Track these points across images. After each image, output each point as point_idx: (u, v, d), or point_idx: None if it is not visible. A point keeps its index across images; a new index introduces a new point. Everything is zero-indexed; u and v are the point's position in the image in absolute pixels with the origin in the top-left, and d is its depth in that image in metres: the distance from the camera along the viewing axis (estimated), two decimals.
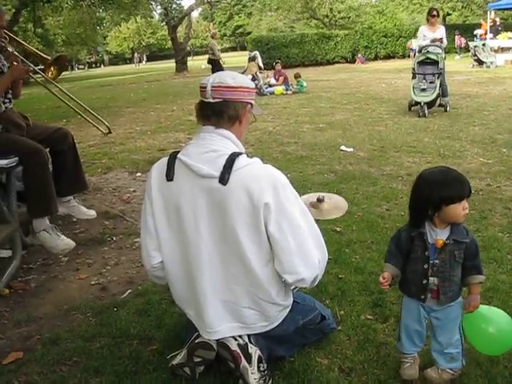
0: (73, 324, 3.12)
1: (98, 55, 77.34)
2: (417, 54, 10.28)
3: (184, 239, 2.24)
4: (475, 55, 20.66)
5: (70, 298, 3.48)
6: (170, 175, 2.23)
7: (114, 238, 4.49)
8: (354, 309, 2.98)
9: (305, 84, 14.88)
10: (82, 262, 4.09)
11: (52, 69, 4.54)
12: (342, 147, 7.11)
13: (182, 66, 27.28)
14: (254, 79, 15.02)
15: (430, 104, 9.68)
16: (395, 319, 2.83)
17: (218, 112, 2.22)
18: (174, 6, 30.31)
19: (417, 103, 9.68)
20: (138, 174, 6.53)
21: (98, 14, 29.56)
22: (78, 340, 2.90)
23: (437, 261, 2.21)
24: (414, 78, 9.95)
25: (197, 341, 2.36)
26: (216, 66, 17.18)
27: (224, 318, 2.29)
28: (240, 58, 28.78)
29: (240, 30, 73.10)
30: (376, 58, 29.58)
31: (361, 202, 4.85)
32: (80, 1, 18.15)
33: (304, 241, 2.17)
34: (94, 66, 75.11)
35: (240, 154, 2.17)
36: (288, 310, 2.41)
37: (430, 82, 9.67)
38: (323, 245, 2.32)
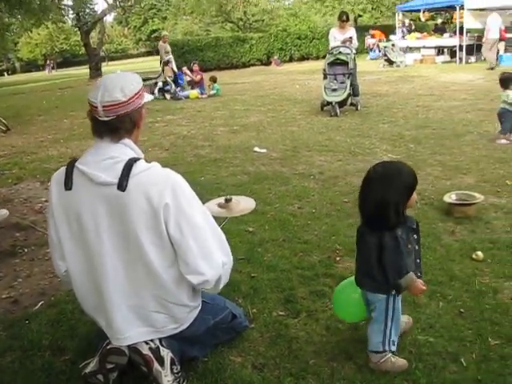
0: None
1: (9, 62, 74.41)
2: (327, 55, 10.51)
3: (87, 248, 2.22)
4: (385, 55, 21.36)
5: None
6: (68, 184, 2.20)
7: (26, 250, 4.38)
8: (266, 306, 3.04)
9: (219, 87, 14.90)
10: None
11: None
12: (256, 148, 7.19)
13: (96, 71, 26.62)
14: (166, 84, 15.00)
15: (342, 103, 9.94)
16: (306, 314, 2.92)
17: (114, 129, 2.18)
18: (88, 10, 29.58)
19: (328, 103, 9.91)
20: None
21: (6, 19, 28.47)
22: None
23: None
24: (325, 78, 10.16)
25: (108, 347, 2.35)
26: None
27: (133, 323, 2.29)
28: (155, 62, 28.41)
29: (155, 34, 72.25)
30: (291, 60, 30.02)
31: (273, 202, 4.93)
32: None
33: (205, 241, 2.20)
34: (5, 73, 72.24)
35: (138, 159, 2.17)
36: (197, 310, 2.43)
37: (341, 82, 9.92)
38: (227, 246, 2.36)
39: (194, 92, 14.69)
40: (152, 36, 73.45)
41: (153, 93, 15.13)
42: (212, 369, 2.48)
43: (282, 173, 5.95)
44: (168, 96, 14.83)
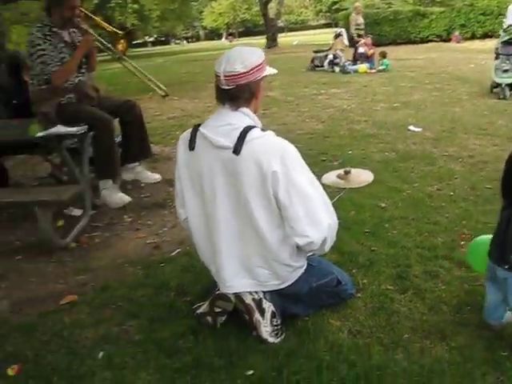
0: (123, 275, 3.52)
1: (195, 30, 78.65)
2: (502, 33, 9.92)
3: (205, 204, 2.51)
4: None
5: (126, 254, 3.89)
6: (192, 146, 2.49)
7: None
8: (377, 278, 3.13)
9: (389, 63, 14.64)
10: (143, 223, 4.50)
11: (122, 41, 4.89)
12: (411, 127, 7.10)
13: (272, 42, 27.44)
14: (335, 57, 15.03)
15: None
16: (414, 291, 2.98)
17: (234, 97, 2.43)
18: None
19: (498, 85, 9.38)
20: None
21: None
22: (124, 288, 3.30)
23: None
24: (497, 58, 9.61)
25: (217, 293, 2.65)
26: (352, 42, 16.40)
27: (239, 274, 2.54)
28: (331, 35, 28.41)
29: (336, 6, 71.79)
30: (473, 37, 28.34)
31: (413, 181, 4.91)
32: None
33: (312, 207, 2.36)
34: (190, 40, 76.52)
35: (253, 127, 2.38)
36: (301, 271, 2.62)
37: None
38: (332, 210, 2.51)
39: (363, 66, 14.59)
40: (333, 8, 73.17)
41: (323, 65, 15.33)
42: (310, 327, 2.66)
43: (431, 153, 5.86)
44: (337, 69, 14.88)
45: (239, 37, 64.89)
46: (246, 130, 2.36)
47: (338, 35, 15.67)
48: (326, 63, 15.22)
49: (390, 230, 3.84)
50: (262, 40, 33.27)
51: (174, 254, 3.78)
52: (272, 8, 30.84)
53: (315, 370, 2.35)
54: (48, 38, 4.30)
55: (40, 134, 4.14)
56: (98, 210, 4.76)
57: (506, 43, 9.57)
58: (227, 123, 2.41)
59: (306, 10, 70.78)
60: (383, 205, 4.32)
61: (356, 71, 14.50)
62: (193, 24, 71.67)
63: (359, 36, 16.11)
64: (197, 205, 2.55)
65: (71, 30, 4.51)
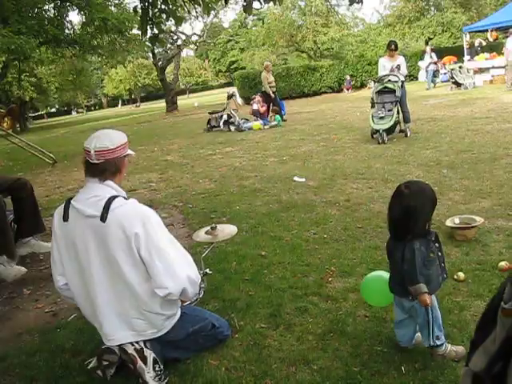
0: (21, 344, 3.70)
1: (97, 98, 78.69)
2: (375, 83, 10.87)
3: (80, 266, 2.82)
4: (452, 78, 21.27)
5: (25, 324, 4.07)
6: (65, 217, 2.81)
7: None
8: (252, 319, 3.51)
9: (280, 118, 15.48)
10: (42, 293, 4.69)
11: (6, 119, 5.14)
12: (295, 178, 7.66)
13: (172, 105, 28.13)
14: (230, 117, 15.73)
15: (389, 130, 10.23)
16: (284, 326, 3.36)
17: (101, 170, 2.81)
18: (160, 49, 31.27)
19: (377, 131, 10.22)
20: None
21: (89, 59, 30.62)
22: (22, 356, 3.51)
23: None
24: (373, 107, 10.52)
25: (103, 347, 2.91)
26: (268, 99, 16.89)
27: (118, 327, 2.85)
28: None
29: (234, 65, 74.18)
30: (362, 86, 30.27)
31: (293, 228, 5.39)
32: (58, 54, 18.99)
33: (170, 262, 2.73)
34: (92, 108, 76.45)
35: (116, 197, 2.74)
36: (175, 319, 2.95)
37: (389, 110, 10.25)
38: (192, 264, 2.87)
39: (257, 123, 15.35)
40: (231, 67, 75.55)
41: (219, 125, 15.96)
42: (190, 369, 2.99)
43: (311, 201, 6.39)
44: (232, 128, 15.56)
45: (141, 101, 65.56)
46: (111, 199, 2.72)
47: (230, 95, 16.42)
48: (221, 123, 15.87)
49: (268, 275, 4.25)
50: (162, 103, 33.96)
51: (70, 318, 3.99)
52: (168, 73, 31.70)
53: None
54: None
55: None
56: None
57: (380, 92, 10.51)
58: (94, 195, 2.76)
59: (205, 71, 72.68)
60: (263, 253, 4.74)
61: (251, 128, 15.22)
62: (95, 92, 71.81)
63: (273, 93, 16.77)
64: (74, 270, 2.86)
65: None
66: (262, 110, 15.90)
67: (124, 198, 2.80)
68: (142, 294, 2.77)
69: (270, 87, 16.53)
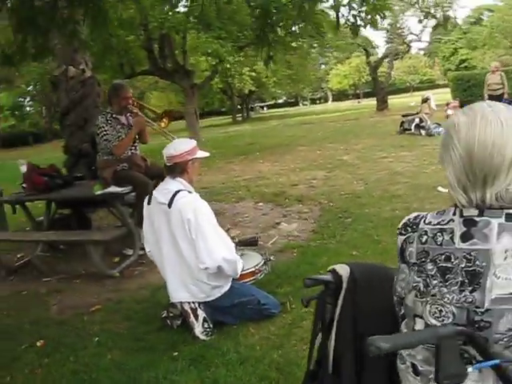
0: (137, 296, 4.83)
1: (323, 91, 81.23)
2: None
3: (157, 240, 3.83)
4: None
5: (150, 282, 5.17)
6: (149, 202, 3.82)
7: None
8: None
9: None
10: None
11: (164, 120, 6.34)
12: (439, 188, 7.89)
13: (382, 104, 28.49)
14: (421, 121, 15.82)
15: None
16: None
17: (172, 171, 3.78)
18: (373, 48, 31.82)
19: None
20: (260, 204, 8.12)
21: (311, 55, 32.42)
22: (132, 303, 4.62)
23: None
24: None
25: (170, 302, 3.88)
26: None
27: (179, 289, 3.79)
28: (441, 95, 28.82)
29: (465, 64, 71.12)
30: None
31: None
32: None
33: (209, 244, 3.58)
34: (317, 102, 79.27)
35: (181, 190, 3.66)
36: (223, 289, 3.80)
37: None
38: (230, 247, 3.74)
39: None
40: (461, 66, 72.59)
41: (410, 128, 16.18)
42: (232, 332, 3.80)
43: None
44: (423, 132, 15.65)
45: (366, 97, 66.24)
46: (176, 192, 3.66)
47: (425, 99, 16.47)
48: (412, 126, 16.05)
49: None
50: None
51: None
52: (382, 72, 32.05)
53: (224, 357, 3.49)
54: (109, 121, 5.85)
55: (98, 193, 5.67)
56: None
57: None
58: (166, 188, 3.74)
59: (431, 69, 70.98)
60: (355, 253, 5.31)
61: (440, 133, 15.17)
62: (320, 86, 74.34)
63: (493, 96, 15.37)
64: (153, 241, 3.88)
65: (127, 114, 6.04)
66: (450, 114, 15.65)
67: (188, 191, 3.72)
68: (193, 266, 3.66)
69: (488, 90, 15.75)
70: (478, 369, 1.36)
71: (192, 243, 3.62)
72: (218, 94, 42.96)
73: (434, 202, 7.21)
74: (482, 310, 1.42)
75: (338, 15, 6.41)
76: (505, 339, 1.41)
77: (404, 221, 1.69)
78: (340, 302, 1.84)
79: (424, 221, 1.61)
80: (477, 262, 1.44)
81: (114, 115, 5.92)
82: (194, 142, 3.92)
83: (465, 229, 1.49)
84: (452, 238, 1.50)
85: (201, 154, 3.93)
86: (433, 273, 1.53)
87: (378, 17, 6.94)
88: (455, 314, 1.47)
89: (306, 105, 73.15)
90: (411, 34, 33.67)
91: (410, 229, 1.64)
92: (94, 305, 4.74)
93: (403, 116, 17.03)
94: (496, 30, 33.07)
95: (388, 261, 4.96)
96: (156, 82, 30.04)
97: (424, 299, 1.54)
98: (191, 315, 3.75)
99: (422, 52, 68.84)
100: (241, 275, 3.93)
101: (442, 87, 74.53)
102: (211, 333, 3.78)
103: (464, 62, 71.33)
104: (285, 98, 79.97)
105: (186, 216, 3.57)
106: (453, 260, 1.49)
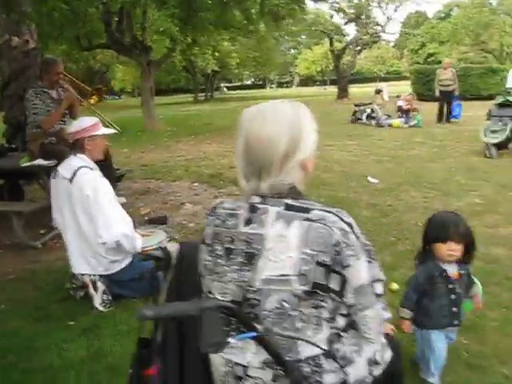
0: (53, 266, 4.96)
1: (291, 76, 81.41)
2: (497, 96, 10.68)
3: (61, 213, 3.96)
4: None
5: None
6: (54, 176, 3.95)
7: None
8: None
9: (420, 118, 15.55)
10: None
11: (94, 97, 6.45)
12: (369, 178, 8.19)
13: (342, 92, 28.79)
14: (373, 112, 16.15)
15: (502, 145, 10.02)
16: None
17: (73, 147, 3.94)
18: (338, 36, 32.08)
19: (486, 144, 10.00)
20: (195, 184, 8.29)
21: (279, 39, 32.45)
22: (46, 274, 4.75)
23: (459, 290, 2.69)
24: (488, 119, 10.35)
25: (71, 273, 4.04)
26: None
27: (80, 261, 3.95)
28: (401, 88, 29.25)
29: (432, 58, 71.99)
30: None
31: None
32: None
33: (107, 219, 3.73)
34: (285, 86, 79.40)
35: (83, 167, 3.81)
36: (122, 263, 3.97)
37: (504, 124, 9.98)
38: (129, 223, 3.88)
39: (397, 121, 15.61)
40: (428, 59, 73.49)
41: (360, 118, 16.50)
42: (130, 305, 3.97)
43: (358, 200, 6.96)
44: (373, 122, 16.01)
45: (331, 84, 66.60)
46: (79, 168, 3.81)
47: (378, 91, 16.82)
48: (364, 117, 16.38)
49: None
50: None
51: None
52: (344, 60, 32.27)
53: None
54: (39, 95, 5.92)
55: (24, 165, 5.76)
56: None
57: (501, 106, 10.33)
58: (69, 164, 3.89)
59: (398, 61, 71.76)
60: None
61: (390, 125, 15.54)
62: (288, 70, 74.50)
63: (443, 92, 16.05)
64: (58, 213, 4.02)
65: (59, 89, 6.12)
66: (406, 107, 16.00)
67: (90, 168, 3.86)
68: (92, 240, 3.82)
69: (440, 85, 16.05)
70: (238, 340, 1.54)
71: (91, 218, 3.77)
72: (182, 72, 42.86)
73: (360, 191, 7.51)
74: (254, 288, 1.63)
75: (262, 4, 6.57)
76: (272, 316, 1.62)
77: (212, 205, 1.88)
78: (168, 277, 2.03)
79: (223, 206, 1.79)
80: (253, 245, 1.64)
81: (44, 89, 5.99)
82: (94, 120, 4.06)
83: (248, 214, 1.69)
84: (237, 222, 1.70)
85: (103, 131, 4.08)
86: (220, 253, 1.72)
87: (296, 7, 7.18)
88: (234, 292, 1.68)
89: (272, 88, 73.15)
90: (377, 24, 33.99)
91: (212, 213, 1.82)
92: (10, 274, 4.88)
93: (356, 105, 17.36)
94: (460, 27, 33.52)
95: None
96: (117, 57, 29.75)
97: (212, 277, 1.75)
98: (91, 287, 3.92)
99: (391, 44, 69.55)
100: (143, 251, 4.08)
101: (409, 79, 75.61)
102: (109, 305, 3.95)
103: (431, 56, 72.25)
104: (252, 80, 79.91)
105: (86, 192, 3.73)
106: (236, 242, 1.69)
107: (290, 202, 1.66)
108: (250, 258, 1.64)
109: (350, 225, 1.65)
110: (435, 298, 2.66)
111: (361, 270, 1.65)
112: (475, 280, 2.86)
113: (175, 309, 1.50)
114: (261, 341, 1.57)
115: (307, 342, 1.63)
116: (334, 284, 1.62)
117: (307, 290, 1.59)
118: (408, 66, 76.68)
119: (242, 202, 1.74)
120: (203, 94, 44.93)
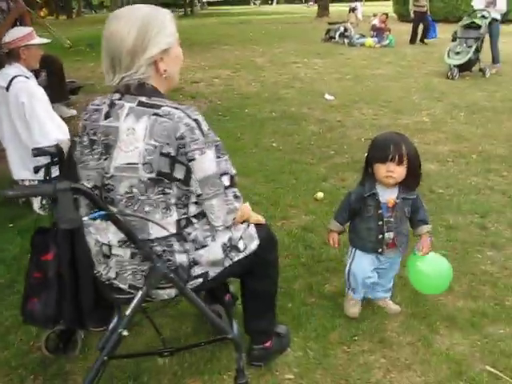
0: None
1: None
2: (464, 17, 10.64)
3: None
4: None
5: None
6: None
7: None
8: None
9: (392, 38, 15.44)
10: None
11: (44, 9, 6.38)
12: (326, 95, 8.29)
13: (323, 11, 28.07)
14: (346, 30, 15.96)
15: (464, 67, 10.13)
16: None
17: (8, 56, 4.06)
18: None
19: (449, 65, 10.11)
20: None
21: None
22: None
23: (391, 218, 2.59)
24: (453, 40, 10.37)
25: (12, 179, 4.20)
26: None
27: (19, 167, 4.14)
28: (382, 8, 28.69)
29: None
30: None
31: (265, 135, 6.25)
32: None
33: (43, 125, 3.88)
34: (270, 2, 77.23)
35: (19, 75, 3.95)
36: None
37: (468, 46, 10.02)
38: (65, 130, 4.00)
39: (370, 40, 15.46)
40: None
41: (333, 37, 16.31)
42: None
43: (307, 115, 7.17)
44: (346, 41, 15.84)
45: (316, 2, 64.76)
46: (14, 77, 3.94)
47: (352, 9, 16.58)
48: (337, 35, 16.19)
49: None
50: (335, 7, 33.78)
51: None
52: None
53: None
54: None
55: None
56: None
57: (466, 27, 10.30)
58: (6, 73, 4.03)
59: None
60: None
61: (363, 44, 15.42)
62: None
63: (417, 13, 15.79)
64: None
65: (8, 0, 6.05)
66: (379, 26, 15.82)
67: (26, 77, 3.97)
68: (30, 146, 3.90)
69: (415, 6, 15.78)
70: (90, 218, 1.78)
71: (28, 125, 3.92)
72: None
73: (313, 107, 7.67)
74: (109, 175, 1.86)
75: None
76: (124, 200, 1.87)
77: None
78: (59, 172, 2.21)
79: (93, 102, 1.97)
80: (110, 137, 1.84)
81: None
82: (28, 29, 4.14)
83: (108, 109, 1.87)
84: (99, 116, 1.89)
85: (38, 40, 4.15)
86: (86, 144, 1.93)
87: None
88: (96, 178, 1.91)
89: (255, 4, 71.18)
90: None
91: (85, 109, 2.00)
92: None
93: (329, 24, 17.14)
94: None
95: (242, 156, 5.40)
96: None
97: (81, 165, 1.97)
98: (30, 191, 4.08)
99: None
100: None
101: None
102: (48, 209, 4.13)
103: None
104: None
105: (21, 99, 3.86)
106: (97, 134, 1.88)
107: (143, 99, 1.84)
108: (108, 148, 1.85)
109: (196, 121, 1.84)
110: (363, 220, 2.65)
111: (205, 163, 1.86)
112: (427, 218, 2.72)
113: (33, 189, 1.68)
114: (113, 220, 1.78)
115: (155, 223, 1.85)
116: (178, 173, 1.83)
117: (153, 178, 1.81)
118: None
119: (107, 98, 1.89)
120: (182, 10, 43.70)
